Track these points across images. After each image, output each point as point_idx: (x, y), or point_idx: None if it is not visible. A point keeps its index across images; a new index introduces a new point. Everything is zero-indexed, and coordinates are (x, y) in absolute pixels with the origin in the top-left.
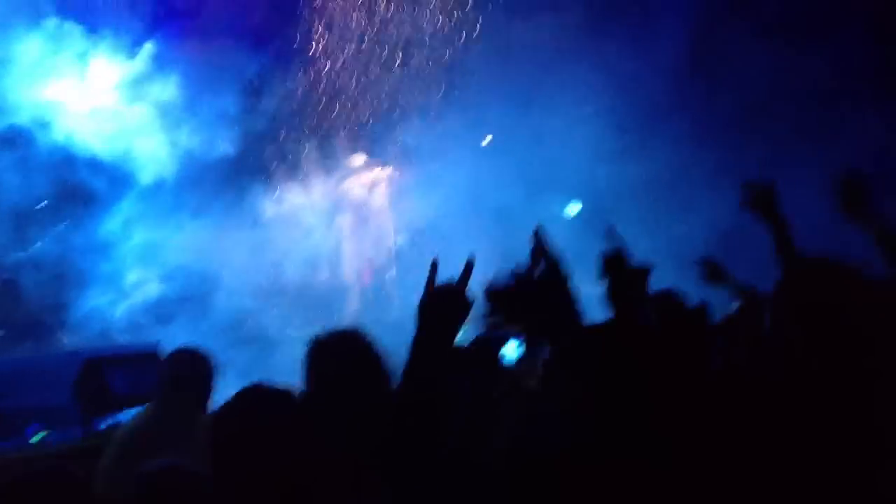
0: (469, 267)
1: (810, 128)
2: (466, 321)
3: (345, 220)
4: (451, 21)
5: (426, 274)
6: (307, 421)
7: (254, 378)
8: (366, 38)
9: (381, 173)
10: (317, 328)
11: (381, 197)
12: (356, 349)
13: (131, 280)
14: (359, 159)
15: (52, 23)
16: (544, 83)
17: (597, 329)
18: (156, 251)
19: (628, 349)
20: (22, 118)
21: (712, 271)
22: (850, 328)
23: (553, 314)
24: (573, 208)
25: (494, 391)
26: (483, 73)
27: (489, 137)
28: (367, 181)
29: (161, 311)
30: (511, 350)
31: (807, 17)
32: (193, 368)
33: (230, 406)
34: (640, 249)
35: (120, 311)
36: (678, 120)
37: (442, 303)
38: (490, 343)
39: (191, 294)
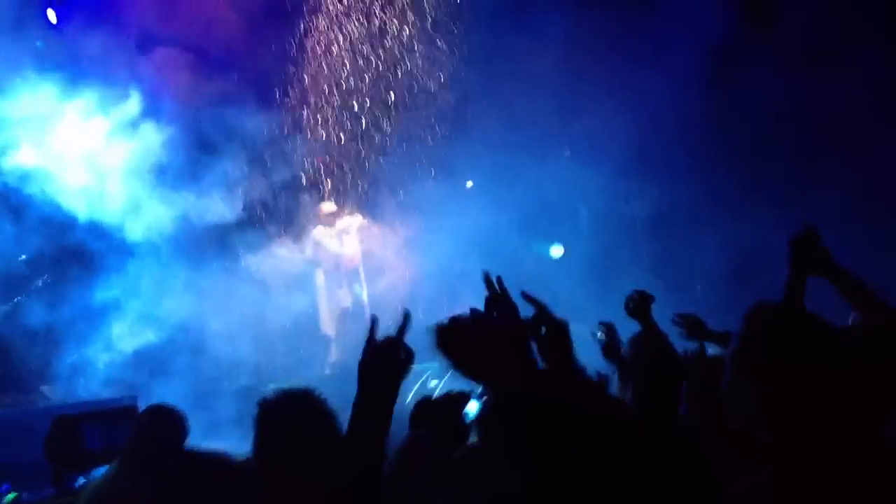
0: (405, 320)
1: (827, 155)
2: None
3: (320, 270)
4: (432, 67)
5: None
6: (249, 486)
7: (242, 431)
8: (347, 82)
9: (352, 221)
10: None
11: (352, 244)
12: (304, 411)
13: (116, 334)
14: (328, 207)
15: (33, 75)
16: (532, 121)
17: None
18: (141, 306)
19: (556, 403)
20: (9, 172)
21: (692, 326)
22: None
23: (499, 360)
24: (557, 251)
25: (454, 450)
26: (467, 115)
27: (470, 183)
28: (338, 229)
29: (145, 364)
30: (473, 408)
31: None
32: (163, 426)
33: (169, 476)
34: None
35: (104, 365)
36: (683, 156)
37: (380, 358)
38: (455, 400)
39: (178, 348)
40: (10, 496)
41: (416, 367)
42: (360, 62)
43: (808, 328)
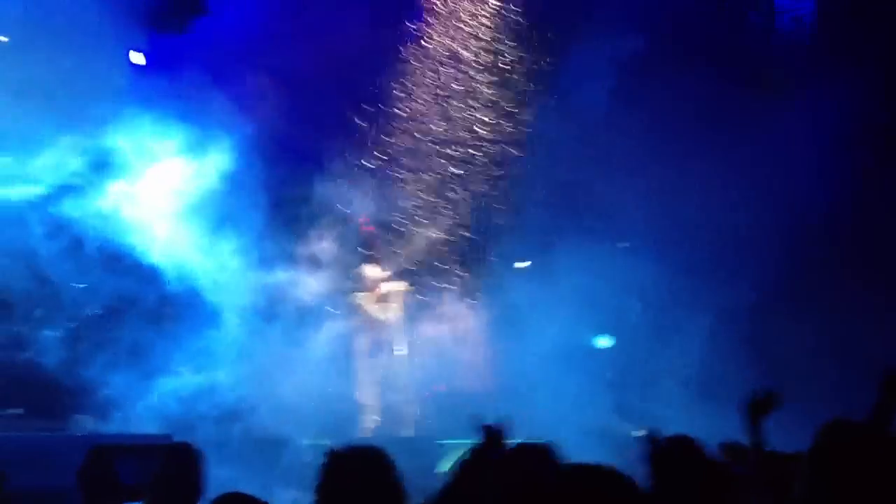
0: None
1: None
2: None
3: (362, 337)
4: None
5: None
6: None
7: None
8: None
9: (396, 287)
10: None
11: (395, 311)
12: (373, 466)
13: (159, 374)
14: (373, 271)
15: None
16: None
17: None
18: (190, 354)
19: None
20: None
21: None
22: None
23: None
24: (604, 342)
25: None
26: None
27: (527, 263)
28: (379, 293)
29: (186, 409)
30: None
31: None
32: (183, 464)
33: None
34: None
35: (143, 400)
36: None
37: None
38: None
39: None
40: None
41: (450, 441)
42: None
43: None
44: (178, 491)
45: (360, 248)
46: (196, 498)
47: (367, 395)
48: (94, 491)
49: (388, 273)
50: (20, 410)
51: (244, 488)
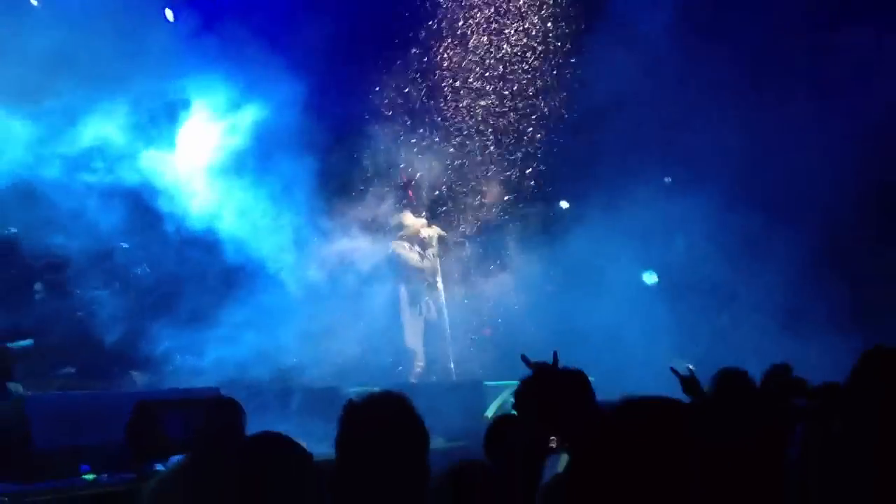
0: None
1: None
2: None
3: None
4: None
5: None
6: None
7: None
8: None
9: (432, 232)
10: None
11: (431, 257)
12: (391, 412)
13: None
14: (410, 218)
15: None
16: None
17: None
18: (243, 313)
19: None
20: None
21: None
22: None
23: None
24: (650, 278)
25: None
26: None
27: (565, 203)
28: (418, 240)
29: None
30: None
31: None
32: (223, 418)
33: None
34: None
35: (198, 358)
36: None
37: None
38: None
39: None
40: (90, 476)
41: (496, 383)
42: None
43: None
44: (220, 444)
45: (401, 200)
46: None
47: (412, 341)
48: (141, 444)
49: (425, 220)
50: (72, 369)
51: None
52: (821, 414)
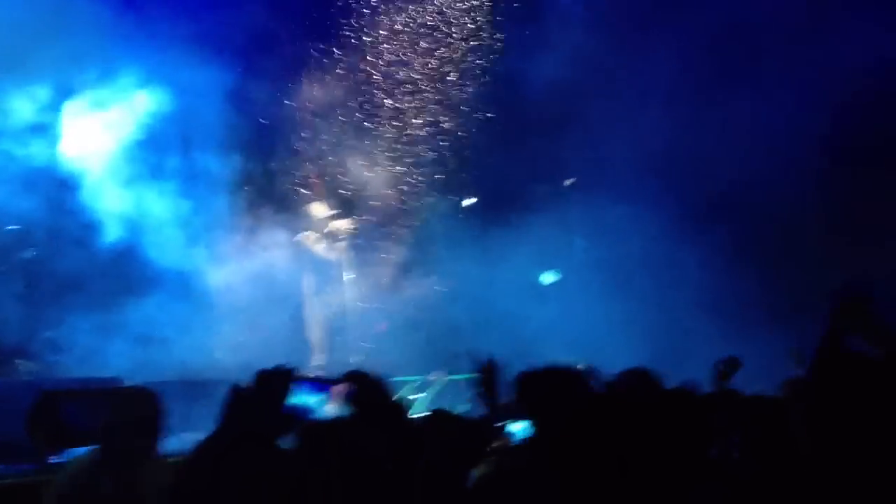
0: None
1: None
2: None
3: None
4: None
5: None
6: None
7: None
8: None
9: (340, 224)
10: None
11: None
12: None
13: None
14: (319, 209)
15: None
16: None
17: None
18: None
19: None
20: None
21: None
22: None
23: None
24: (549, 277)
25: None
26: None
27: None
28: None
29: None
30: (520, 428)
31: None
32: (141, 409)
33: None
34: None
35: (87, 345)
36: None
37: None
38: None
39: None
40: None
41: (396, 378)
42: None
43: None
44: (138, 434)
45: (305, 190)
46: (155, 441)
47: (314, 334)
48: (45, 436)
49: (333, 212)
50: None
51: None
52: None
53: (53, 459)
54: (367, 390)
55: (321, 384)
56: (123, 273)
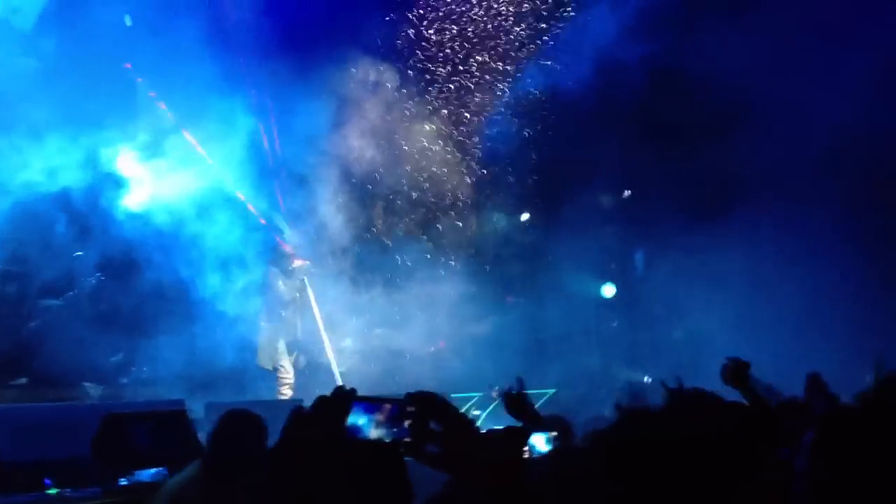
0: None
1: None
2: None
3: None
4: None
5: None
6: None
7: None
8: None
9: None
10: None
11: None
12: None
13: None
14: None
15: None
16: None
17: None
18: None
19: None
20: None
21: (738, 372)
22: None
23: None
24: (608, 290)
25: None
26: None
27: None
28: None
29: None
30: (541, 442)
31: None
32: (245, 428)
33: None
34: None
35: (149, 368)
36: None
37: None
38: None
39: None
40: (53, 491)
41: (459, 395)
42: None
43: None
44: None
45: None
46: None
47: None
48: (110, 458)
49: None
50: (24, 380)
51: None
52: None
53: (121, 481)
54: (433, 410)
55: (376, 405)
56: (184, 300)
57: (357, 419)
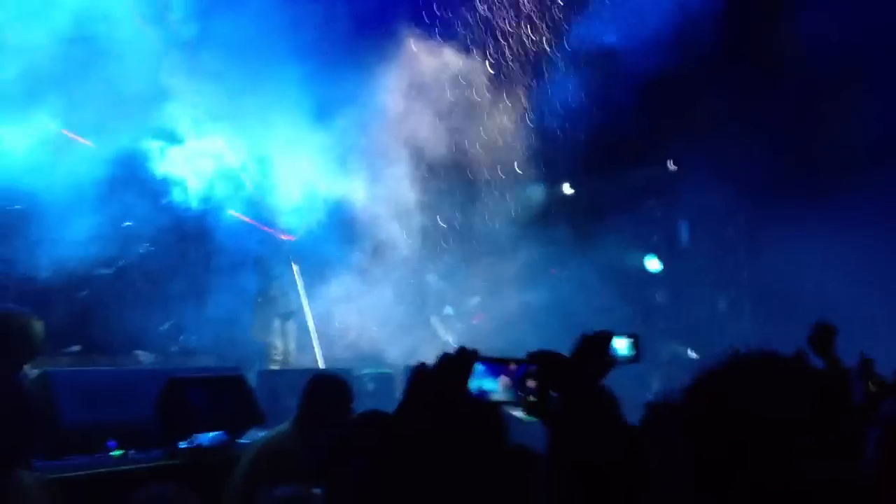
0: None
1: None
2: None
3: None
4: None
5: None
6: None
7: None
8: None
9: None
10: None
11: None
12: None
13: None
14: None
15: None
16: None
17: None
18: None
19: None
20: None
21: (826, 338)
22: None
23: None
24: (653, 263)
25: None
26: None
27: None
28: None
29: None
30: (623, 346)
31: None
32: (330, 390)
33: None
34: None
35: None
36: None
37: None
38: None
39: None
40: (117, 453)
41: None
42: None
43: None
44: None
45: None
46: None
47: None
48: (173, 421)
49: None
50: (78, 347)
51: None
52: None
53: (182, 444)
54: (555, 369)
55: (501, 365)
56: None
57: (483, 381)
